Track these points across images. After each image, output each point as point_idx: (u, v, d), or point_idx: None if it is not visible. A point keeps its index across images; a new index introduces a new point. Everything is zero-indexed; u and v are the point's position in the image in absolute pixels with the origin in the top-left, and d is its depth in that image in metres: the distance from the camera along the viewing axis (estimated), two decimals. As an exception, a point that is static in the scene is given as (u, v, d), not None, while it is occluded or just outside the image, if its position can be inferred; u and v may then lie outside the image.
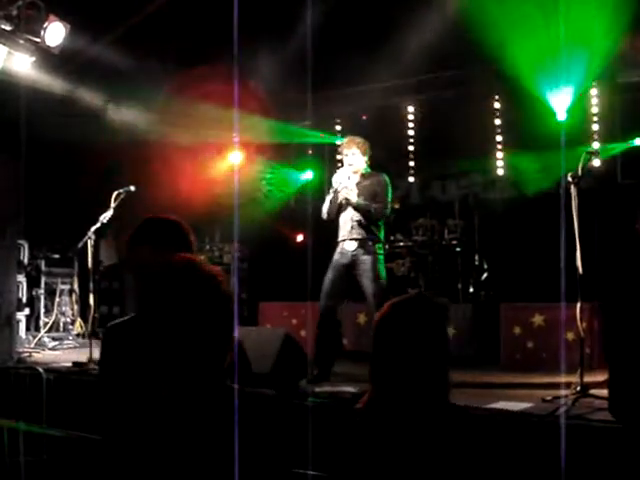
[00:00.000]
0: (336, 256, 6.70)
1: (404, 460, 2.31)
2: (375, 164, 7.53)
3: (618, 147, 8.67)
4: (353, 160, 6.74)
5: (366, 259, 6.51)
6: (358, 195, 6.62)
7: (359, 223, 6.59)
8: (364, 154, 6.76)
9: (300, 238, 11.01)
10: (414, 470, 2.30)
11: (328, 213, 6.75)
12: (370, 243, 6.55)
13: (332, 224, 6.80)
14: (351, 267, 6.57)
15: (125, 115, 10.08)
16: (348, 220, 6.64)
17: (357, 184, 6.71)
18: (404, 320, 2.42)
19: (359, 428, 2.45)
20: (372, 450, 2.37)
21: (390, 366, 2.40)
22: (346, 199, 6.58)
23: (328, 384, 6.27)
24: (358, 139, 6.88)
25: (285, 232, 10.94)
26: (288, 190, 10.83)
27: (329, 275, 6.66)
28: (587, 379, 5.35)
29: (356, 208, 6.57)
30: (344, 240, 6.65)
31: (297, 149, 10.98)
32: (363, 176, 6.76)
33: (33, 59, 7.76)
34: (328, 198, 6.75)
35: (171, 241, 2.90)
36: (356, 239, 6.58)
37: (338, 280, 6.61)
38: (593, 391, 5.21)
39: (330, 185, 6.84)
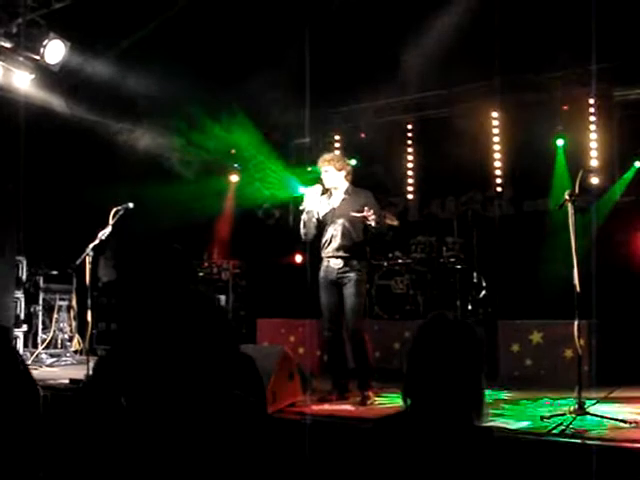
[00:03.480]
0: (322, 273, 6.66)
1: (427, 476, 2.31)
2: (374, 181, 7.55)
3: (629, 174, 8.67)
4: (327, 177, 6.69)
5: (351, 276, 6.47)
6: (344, 211, 6.56)
7: (344, 241, 6.54)
8: (339, 170, 6.67)
9: (299, 259, 11.01)
10: None
11: (305, 234, 6.71)
12: (355, 262, 6.52)
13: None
14: (337, 283, 6.55)
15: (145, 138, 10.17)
16: (333, 238, 6.59)
17: (342, 200, 6.65)
18: (437, 341, 2.43)
19: (386, 439, 2.44)
20: (394, 463, 2.37)
21: (424, 383, 2.41)
22: (370, 225, 6.42)
23: (327, 403, 6.25)
24: (331, 156, 6.85)
25: (283, 257, 10.95)
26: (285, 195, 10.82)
27: (323, 299, 6.63)
28: (585, 397, 5.34)
29: (377, 230, 6.50)
30: (329, 257, 6.60)
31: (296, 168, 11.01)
32: (347, 192, 6.69)
33: (33, 76, 7.80)
34: (302, 218, 6.69)
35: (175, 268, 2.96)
36: (342, 257, 6.53)
37: (332, 301, 6.58)
38: (591, 409, 5.20)
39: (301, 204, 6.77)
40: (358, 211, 6.38)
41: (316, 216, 6.66)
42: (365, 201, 6.58)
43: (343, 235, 6.55)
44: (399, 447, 2.38)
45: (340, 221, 6.58)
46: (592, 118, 9.16)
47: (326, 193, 6.76)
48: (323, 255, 6.67)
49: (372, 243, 6.68)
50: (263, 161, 10.73)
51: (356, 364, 6.53)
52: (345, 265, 6.51)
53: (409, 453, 2.35)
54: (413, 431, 2.39)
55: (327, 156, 6.82)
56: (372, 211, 6.27)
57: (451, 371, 2.37)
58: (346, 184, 6.72)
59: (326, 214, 6.64)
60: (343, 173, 6.69)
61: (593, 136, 9.15)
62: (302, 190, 6.77)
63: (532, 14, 8.08)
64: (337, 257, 6.55)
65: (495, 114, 9.96)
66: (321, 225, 6.67)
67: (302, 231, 6.72)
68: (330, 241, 6.60)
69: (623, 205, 8.64)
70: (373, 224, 6.30)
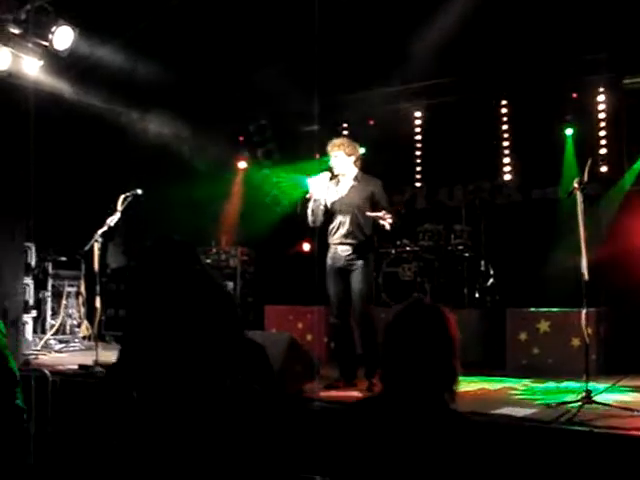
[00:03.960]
0: (329, 261, 6.65)
1: (399, 459, 2.34)
2: (382, 169, 7.50)
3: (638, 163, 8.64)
4: (336, 163, 6.65)
5: (359, 263, 6.47)
6: (353, 198, 6.57)
7: (352, 228, 6.53)
8: (349, 155, 6.64)
9: (307, 247, 11.01)
10: (408, 471, 2.31)
11: (313, 221, 6.69)
12: (363, 248, 6.51)
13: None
14: (345, 270, 6.54)
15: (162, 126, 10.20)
16: (341, 224, 6.58)
17: (351, 187, 6.63)
18: (409, 326, 2.47)
19: (358, 422, 2.49)
20: (369, 447, 2.40)
21: (396, 368, 2.45)
22: (384, 227, 6.39)
23: (334, 389, 6.27)
24: (341, 140, 6.80)
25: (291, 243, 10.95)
26: (295, 194, 10.83)
27: (330, 286, 6.63)
28: (592, 385, 5.35)
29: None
30: (337, 244, 6.60)
31: (304, 152, 10.99)
32: (356, 179, 6.67)
33: (42, 62, 7.80)
34: (310, 206, 6.66)
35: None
36: (350, 244, 6.53)
37: (339, 288, 6.58)
38: (598, 398, 5.21)
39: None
40: (376, 214, 6.35)
41: (323, 203, 6.64)
42: (370, 191, 6.58)
43: (352, 222, 6.53)
44: (371, 430, 2.42)
45: (349, 209, 6.56)
46: (601, 107, 9.12)
47: (334, 179, 6.73)
48: (330, 242, 6.66)
49: (380, 231, 6.64)
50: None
51: (364, 351, 6.52)
52: (353, 252, 6.50)
53: (381, 436, 2.39)
54: (385, 414, 2.43)
55: (337, 141, 6.77)
56: (389, 216, 6.27)
57: (421, 355, 2.40)
58: (355, 170, 6.69)
59: (334, 202, 6.62)
60: (352, 158, 6.66)
61: (602, 125, 9.11)
62: (309, 179, 6.72)
63: (542, 1, 8.04)
64: (345, 244, 6.54)
65: (504, 102, 9.92)
66: (329, 212, 6.66)
67: (309, 218, 6.70)
68: (338, 228, 6.59)
69: (632, 194, 8.61)
70: (387, 227, 6.30)
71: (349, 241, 6.54)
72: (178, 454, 2.19)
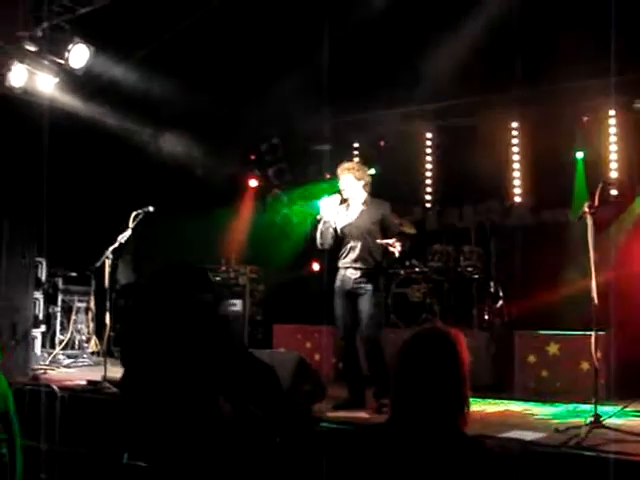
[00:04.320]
0: (338, 283, 6.65)
1: None
2: (393, 189, 7.50)
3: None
4: (346, 186, 6.66)
5: (368, 287, 6.46)
6: (363, 222, 6.60)
7: (363, 253, 6.53)
8: (358, 180, 6.64)
9: (316, 267, 11.04)
10: None
11: (321, 243, 6.71)
12: (372, 272, 6.52)
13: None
14: (353, 294, 6.54)
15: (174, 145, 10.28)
16: (352, 249, 6.58)
17: (361, 212, 6.63)
18: (420, 352, 2.47)
19: (369, 448, 2.48)
20: (381, 472, 2.39)
21: (407, 394, 2.46)
22: (393, 254, 6.46)
23: (342, 410, 6.26)
24: (351, 165, 6.83)
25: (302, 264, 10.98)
26: (306, 219, 10.88)
27: (337, 309, 6.63)
28: (601, 410, 5.33)
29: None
30: (347, 268, 6.60)
31: (314, 174, 11.03)
32: (365, 203, 6.67)
33: (57, 80, 7.88)
34: (319, 228, 6.68)
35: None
36: (360, 268, 6.53)
37: (347, 311, 6.57)
38: (607, 422, 5.18)
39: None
40: (386, 242, 6.39)
41: (333, 226, 6.65)
42: (380, 214, 6.61)
43: (362, 247, 6.54)
44: (383, 455, 2.42)
45: (359, 233, 6.58)
46: (612, 130, 9.13)
47: (344, 203, 6.74)
48: (340, 265, 6.67)
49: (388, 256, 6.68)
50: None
51: (372, 373, 6.51)
52: (362, 276, 6.51)
53: (393, 461, 2.39)
54: (396, 439, 2.43)
55: (347, 165, 6.80)
56: (399, 243, 6.30)
57: (432, 381, 2.41)
58: (364, 194, 6.70)
59: (344, 226, 6.63)
60: (362, 182, 6.67)
61: (613, 148, 9.11)
62: (320, 201, 6.75)
63: (552, 25, 8.09)
64: (354, 268, 6.55)
65: (515, 124, 9.94)
66: (339, 236, 6.67)
67: (318, 240, 6.72)
68: (349, 252, 6.60)
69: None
70: (397, 254, 6.34)
71: (359, 265, 6.54)
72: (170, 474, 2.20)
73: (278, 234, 11.37)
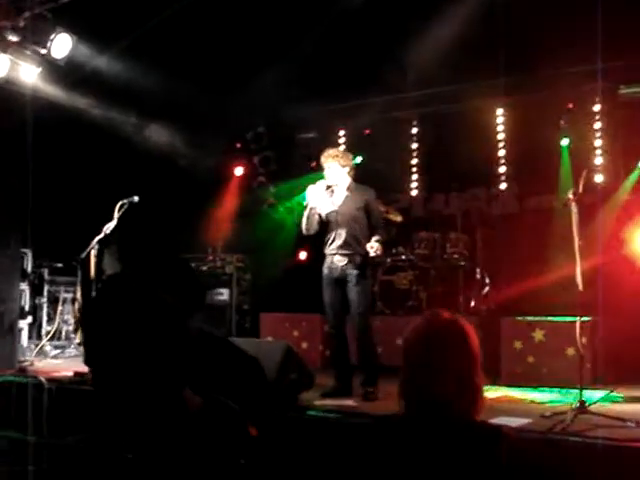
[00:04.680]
0: (325, 270, 6.67)
1: (427, 476, 2.33)
2: (378, 177, 7.50)
3: (634, 175, 8.66)
4: (330, 173, 6.67)
5: (355, 273, 6.48)
6: (348, 209, 6.62)
7: (348, 239, 6.55)
8: (343, 167, 6.65)
9: (303, 256, 11.05)
10: None
11: (307, 229, 6.73)
12: (359, 258, 6.54)
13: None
14: (341, 281, 6.57)
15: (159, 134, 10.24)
16: (337, 235, 6.60)
17: (345, 198, 6.65)
18: (430, 341, 2.44)
19: (383, 440, 2.46)
20: (395, 465, 2.38)
21: (419, 384, 2.43)
22: (378, 255, 6.55)
23: (329, 398, 6.28)
24: (335, 152, 6.83)
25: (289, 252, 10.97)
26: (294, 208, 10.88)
27: (326, 297, 6.66)
28: (587, 395, 5.37)
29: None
30: (333, 254, 6.62)
31: (300, 162, 11.01)
32: (349, 189, 6.69)
33: (39, 70, 7.82)
34: (305, 214, 6.70)
35: None
36: (346, 254, 6.54)
37: (336, 299, 6.61)
38: (592, 407, 5.23)
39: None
40: (370, 246, 6.40)
41: (318, 212, 6.67)
42: (364, 200, 6.62)
43: (348, 233, 6.56)
44: (398, 447, 2.40)
45: (345, 219, 6.59)
46: (597, 117, 9.16)
47: (328, 189, 6.74)
48: (327, 252, 6.68)
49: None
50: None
51: (362, 361, 6.55)
52: (349, 262, 6.52)
53: (411, 452, 2.37)
54: (411, 431, 2.41)
55: (332, 151, 6.80)
56: (378, 247, 6.35)
57: (445, 370, 2.39)
58: (348, 180, 6.72)
59: (329, 212, 6.65)
60: (347, 169, 6.69)
61: (598, 134, 9.15)
62: (308, 188, 6.75)
63: (538, 12, 8.08)
64: (341, 254, 6.56)
65: (500, 111, 9.96)
66: (324, 222, 6.69)
67: (304, 226, 6.73)
68: (334, 239, 6.61)
69: (628, 204, 8.64)
70: (372, 254, 6.40)
71: (345, 252, 6.56)
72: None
73: (265, 222, 11.36)
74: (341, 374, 6.63)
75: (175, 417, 2.21)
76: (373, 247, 6.37)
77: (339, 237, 6.60)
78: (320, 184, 6.69)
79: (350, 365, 6.70)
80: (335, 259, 6.59)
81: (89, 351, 2.58)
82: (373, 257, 6.49)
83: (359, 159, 9.48)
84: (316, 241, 6.97)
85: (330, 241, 6.66)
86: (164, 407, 2.22)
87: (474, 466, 2.32)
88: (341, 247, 6.58)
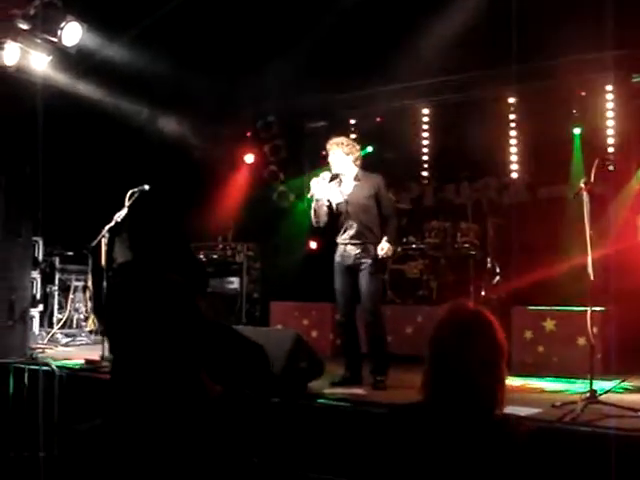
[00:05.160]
0: (337, 259, 6.65)
1: (448, 467, 2.31)
2: (389, 165, 7.48)
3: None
4: (334, 161, 6.64)
5: (367, 262, 6.47)
6: (358, 198, 6.60)
7: (360, 228, 6.53)
8: (347, 155, 6.61)
9: (314, 245, 11.05)
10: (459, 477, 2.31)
11: (317, 221, 6.69)
12: (372, 247, 6.51)
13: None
14: (353, 269, 6.55)
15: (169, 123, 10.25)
16: (349, 225, 6.58)
17: (354, 187, 6.62)
18: (459, 333, 2.42)
19: (403, 429, 2.45)
20: (415, 454, 2.37)
21: (445, 375, 2.41)
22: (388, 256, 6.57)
23: (339, 387, 6.28)
24: (340, 140, 6.74)
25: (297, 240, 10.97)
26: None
27: (337, 285, 6.65)
28: (597, 385, 5.35)
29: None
30: (346, 244, 6.60)
31: (310, 151, 10.99)
32: (357, 178, 6.65)
33: (50, 58, 7.83)
34: (312, 207, 6.66)
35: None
36: (358, 243, 6.53)
37: (347, 287, 6.60)
38: (603, 397, 5.21)
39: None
40: (381, 247, 6.44)
41: (327, 203, 6.63)
42: (372, 188, 6.59)
43: (359, 223, 6.54)
44: (418, 437, 2.39)
45: (355, 210, 6.57)
46: (609, 105, 9.10)
47: (336, 179, 6.72)
48: (339, 241, 6.66)
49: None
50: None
51: (372, 350, 6.54)
52: (362, 251, 6.51)
53: (430, 442, 2.36)
54: (432, 421, 2.40)
55: (335, 139, 6.73)
56: (389, 248, 6.39)
57: (472, 362, 2.37)
58: (355, 169, 6.67)
59: (340, 203, 6.62)
60: (351, 158, 6.64)
61: (610, 123, 9.08)
62: (312, 180, 6.74)
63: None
64: (353, 244, 6.55)
65: (512, 100, 9.90)
66: (334, 213, 6.66)
67: (313, 219, 6.69)
68: (346, 229, 6.59)
69: (640, 193, 8.60)
70: (380, 254, 6.42)
71: (357, 241, 6.54)
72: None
73: (275, 211, 11.37)
74: (351, 363, 6.63)
75: (195, 400, 2.21)
76: (383, 249, 6.38)
77: (351, 227, 6.57)
78: (324, 175, 6.65)
79: (360, 354, 6.69)
80: (348, 248, 6.57)
81: (112, 340, 2.59)
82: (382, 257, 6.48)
83: (370, 149, 9.47)
84: (327, 230, 6.94)
85: (342, 231, 6.63)
86: (184, 389, 2.22)
87: (494, 457, 2.31)
88: (353, 237, 6.56)
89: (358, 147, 6.81)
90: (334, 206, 6.65)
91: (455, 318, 2.47)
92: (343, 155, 6.61)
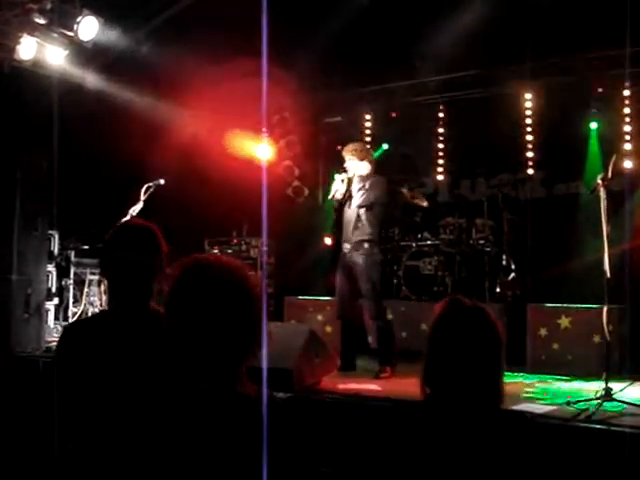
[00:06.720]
0: (340, 257, 6.98)
1: (453, 462, 2.32)
2: (404, 161, 7.56)
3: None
4: (350, 166, 7.02)
5: (360, 260, 6.76)
6: (357, 199, 6.90)
7: (356, 225, 6.84)
8: (361, 160, 6.98)
9: (328, 241, 11.04)
10: (462, 472, 2.31)
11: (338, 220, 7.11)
12: (366, 245, 6.75)
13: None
14: (349, 268, 6.86)
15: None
16: (348, 222, 6.91)
17: (359, 189, 6.95)
18: (457, 329, 2.44)
19: (413, 427, 2.45)
20: (419, 449, 2.37)
21: (445, 369, 2.42)
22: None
23: (353, 382, 6.30)
24: (355, 146, 7.17)
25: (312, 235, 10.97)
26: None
27: (337, 283, 6.98)
28: (612, 383, 5.32)
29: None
30: (343, 242, 6.93)
31: (327, 146, 10.98)
32: (364, 180, 6.97)
33: (67, 52, 7.86)
34: (334, 206, 7.14)
35: (145, 247, 2.95)
36: (351, 241, 6.84)
37: (344, 286, 6.92)
38: (618, 395, 5.18)
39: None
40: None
41: (338, 199, 7.07)
42: (370, 188, 6.89)
43: (356, 221, 6.84)
44: (423, 431, 2.39)
45: (353, 208, 6.90)
46: (627, 101, 9.02)
47: (350, 181, 7.04)
48: (339, 240, 7.01)
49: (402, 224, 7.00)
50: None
51: (378, 344, 6.83)
52: (355, 250, 6.81)
53: (434, 438, 2.36)
54: (436, 417, 2.40)
55: (350, 146, 7.14)
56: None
57: (471, 358, 2.38)
58: (366, 172, 7.00)
59: (344, 200, 6.97)
60: (365, 162, 6.99)
61: (627, 119, 9.01)
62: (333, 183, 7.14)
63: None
64: (349, 242, 6.85)
65: (528, 95, 9.84)
66: (337, 211, 7.07)
67: (335, 218, 7.16)
68: (345, 226, 6.92)
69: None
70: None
71: (351, 238, 6.85)
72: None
73: (290, 207, 11.34)
74: (344, 353, 6.89)
75: (240, 404, 2.16)
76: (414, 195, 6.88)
77: (349, 225, 6.89)
78: (342, 177, 7.04)
79: (353, 345, 7.00)
80: (345, 247, 6.90)
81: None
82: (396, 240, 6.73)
83: (385, 146, 9.46)
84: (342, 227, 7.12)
85: (342, 229, 6.96)
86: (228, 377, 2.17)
87: (498, 453, 2.31)
88: (350, 235, 6.86)
89: (371, 151, 7.31)
90: (341, 203, 7.02)
91: (453, 313, 2.49)
92: (357, 161, 7.00)
